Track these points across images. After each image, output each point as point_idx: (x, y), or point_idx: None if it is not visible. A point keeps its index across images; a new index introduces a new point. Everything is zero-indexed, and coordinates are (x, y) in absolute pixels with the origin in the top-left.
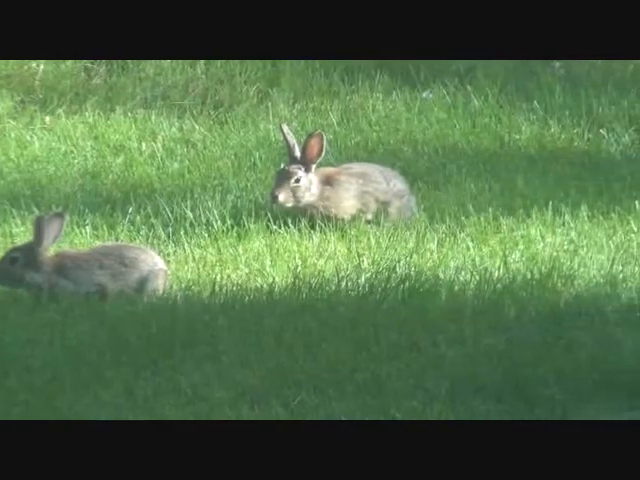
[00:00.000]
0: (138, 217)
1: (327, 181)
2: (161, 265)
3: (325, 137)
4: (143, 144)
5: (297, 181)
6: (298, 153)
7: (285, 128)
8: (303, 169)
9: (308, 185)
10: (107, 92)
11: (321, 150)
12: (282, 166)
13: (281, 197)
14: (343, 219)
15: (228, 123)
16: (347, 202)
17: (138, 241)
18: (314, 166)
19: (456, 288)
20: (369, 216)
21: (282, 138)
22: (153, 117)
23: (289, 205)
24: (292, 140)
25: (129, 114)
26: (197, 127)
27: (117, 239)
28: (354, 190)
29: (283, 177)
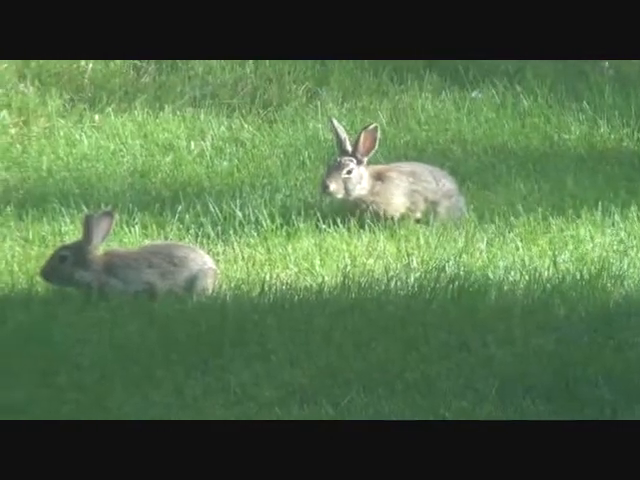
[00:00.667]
0: (187, 216)
1: (378, 177)
2: (210, 264)
3: (379, 131)
4: (192, 143)
5: (349, 172)
6: (349, 147)
7: (335, 122)
8: (355, 161)
9: (359, 178)
10: (156, 91)
11: (374, 144)
12: (333, 158)
13: (332, 187)
14: (392, 217)
15: (277, 122)
16: (397, 199)
17: (187, 240)
18: (366, 160)
19: (505, 288)
20: (418, 215)
21: (332, 134)
22: (202, 116)
23: (339, 196)
24: (343, 134)
25: (178, 113)
26: (246, 126)
27: (166, 238)
28: (404, 188)
29: (335, 168)
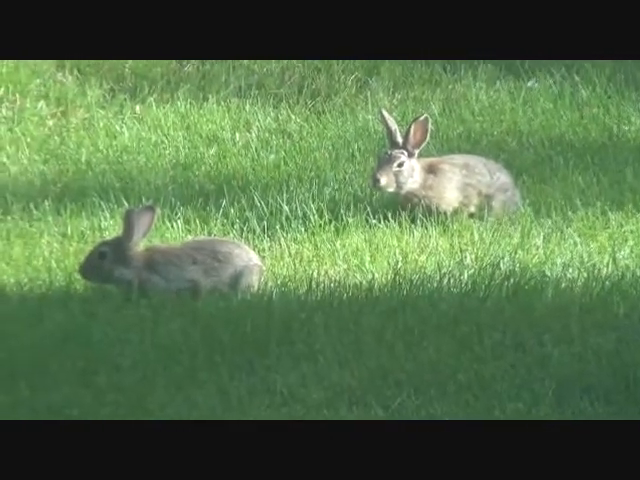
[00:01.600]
0: (232, 210)
1: (430, 169)
2: (256, 260)
3: (430, 122)
4: (237, 134)
5: (400, 165)
6: (399, 139)
7: (385, 113)
8: (406, 154)
9: (410, 171)
10: (200, 80)
11: (425, 135)
12: (384, 150)
13: (383, 181)
14: (445, 212)
15: (325, 113)
16: (450, 193)
17: (232, 235)
18: (417, 152)
19: (563, 285)
20: (471, 209)
21: (382, 125)
22: (247, 106)
23: (390, 190)
24: (393, 125)
25: (222, 103)
26: (293, 117)
27: (210, 233)
28: (457, 181)
29: (385, 161)
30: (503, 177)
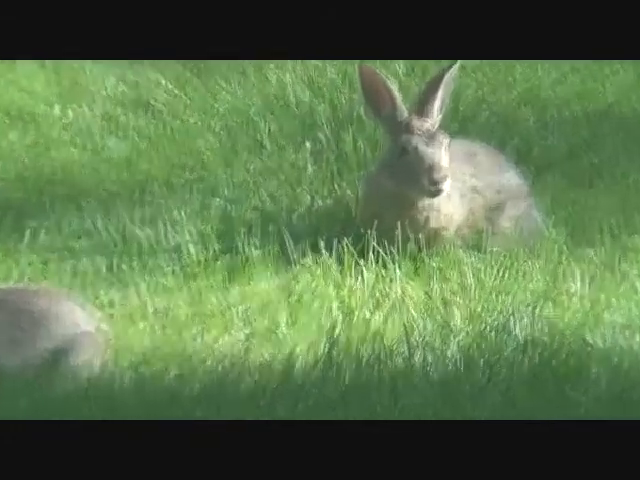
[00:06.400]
0: (49, 236)
1: None
2: (89, 325)
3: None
4: (57, 108)
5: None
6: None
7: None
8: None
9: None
10: None
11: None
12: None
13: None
14: (450, 244)
15: (214, 72)
16: (457, 208)
17: (49, 280)
18: None
19: (616, 360)
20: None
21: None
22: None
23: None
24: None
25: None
26: (161, 80)
27: (10, 279)
28: (461, 187)
29: (438, 141)
30: (515, 179)
